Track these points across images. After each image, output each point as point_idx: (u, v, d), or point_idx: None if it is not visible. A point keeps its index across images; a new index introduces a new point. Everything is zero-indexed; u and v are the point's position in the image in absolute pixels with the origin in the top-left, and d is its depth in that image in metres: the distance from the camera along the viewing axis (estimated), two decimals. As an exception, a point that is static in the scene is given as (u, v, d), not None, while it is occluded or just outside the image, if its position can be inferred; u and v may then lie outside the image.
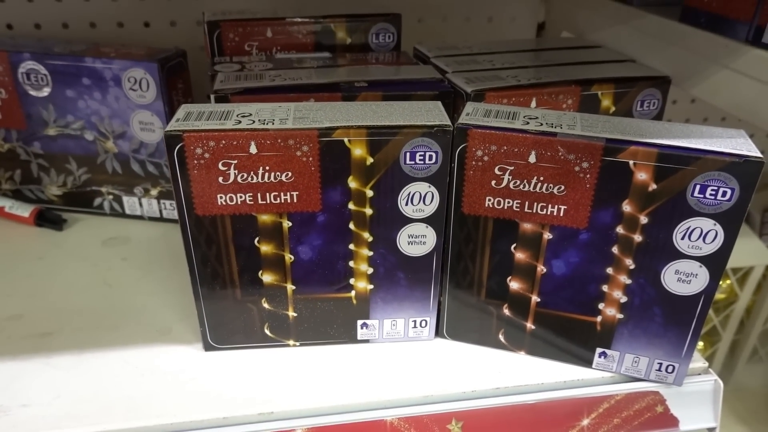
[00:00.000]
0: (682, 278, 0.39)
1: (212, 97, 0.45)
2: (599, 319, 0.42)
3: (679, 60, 0.52)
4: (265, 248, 0.42)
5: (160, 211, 0.63)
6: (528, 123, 0.39)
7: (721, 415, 0.87)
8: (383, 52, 0.60)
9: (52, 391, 0.41)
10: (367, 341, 0.46)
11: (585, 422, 0.43)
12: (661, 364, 0.42)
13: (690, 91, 0.51)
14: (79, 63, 0.57)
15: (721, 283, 0.86)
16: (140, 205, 0.63)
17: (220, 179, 0.39)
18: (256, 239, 0.41)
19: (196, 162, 0.38)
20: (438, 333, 0.47)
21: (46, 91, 0.58)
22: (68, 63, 0.57)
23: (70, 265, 0.56)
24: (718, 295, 0.85)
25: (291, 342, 0.46)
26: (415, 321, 0.46)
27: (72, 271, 0.55)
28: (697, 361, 0.45)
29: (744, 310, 0.85)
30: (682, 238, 0.38)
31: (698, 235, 0.38)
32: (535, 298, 0.43)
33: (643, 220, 0.38)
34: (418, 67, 0.53)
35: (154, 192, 0.62)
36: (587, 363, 0.44)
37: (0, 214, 0.62)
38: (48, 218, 0.61)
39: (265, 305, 0.44)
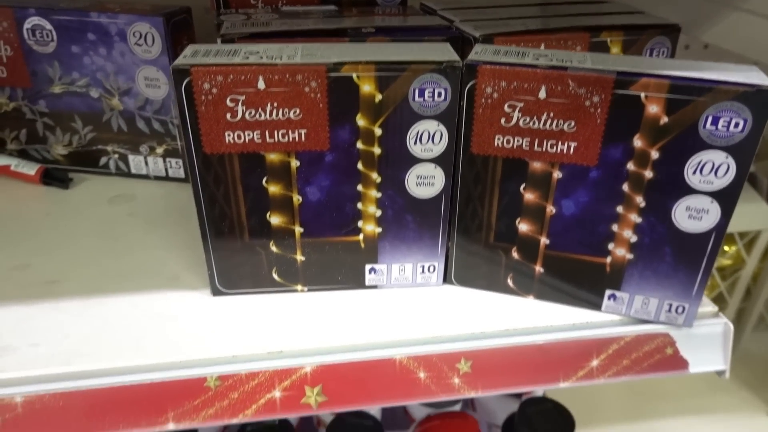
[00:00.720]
0: (693, 215, 0.39)
1: (218, 40, 0.45)
2: (609, 260, 0.42)
3: (689, 7, 0.51)
4: (273, 189, 0.41)
5: (166, 170, 0.63)
6: (538, 59, 0.39)
7: (728, 383, 0.87)
8: (390, 6, 0.59)
9: (60, 332, 0.41)
10: (375, 287, 0.46)
11: (594, 363, 0.43)
12: (671, 305, 0.42)
13: (701, 38, 0.50)
14: (84, 18, 0.56)
15: (727, 248, 0.86)
16: (146, 164, 0.63)
17: (228, 116, 0.38)
18: (264, 179, 0.41)
19: (203, 98, 0.38)
20: (446, 279, 0.47)
21: (51, 47, 0.58)
22: (73, 18, 0.57)
23: (77, 220, 0.56)
24: (724, 261, 0.85)
25: (299, 287, 0.46)
26: (423, 266, 0.46)
27: (78, 225, 0.55)
28: (707, 306, 0.44)
29: (750, 277, 0.85)
30: (694, 173, 0.38)
31: (710, 169, 0.37)
32: (544, 240, 0.43)
33: (654, 155, 0.38)
34: (426, 17, 0.53)
35: (159, 150, 0.62)
36: (596, 306, 0.44)
37: (6, 173, 0.62)
38: (54, 176, 0.61)
39: (273, 249, 0.44)
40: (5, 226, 0.55)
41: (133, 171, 0.63)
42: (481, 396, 0.42)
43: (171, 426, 0.39)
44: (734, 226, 0.79)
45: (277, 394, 0.40)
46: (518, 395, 0.59)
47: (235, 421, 0.40)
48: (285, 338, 0.41)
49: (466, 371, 0.42)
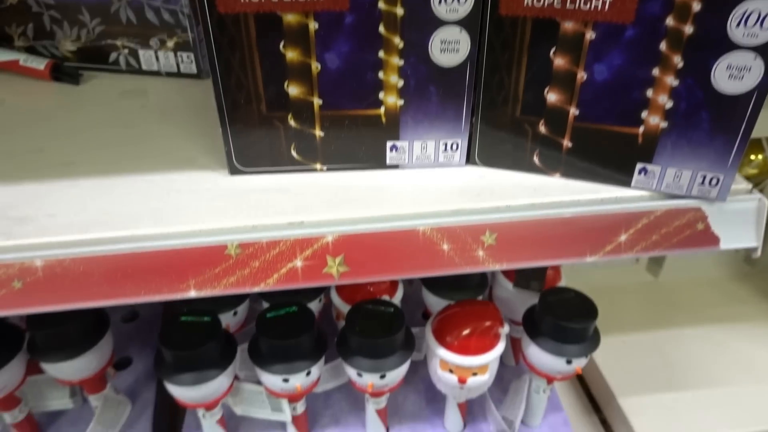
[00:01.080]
0: (733, 74, 0.37)
1: None
2: (641, 129, 0.40)
3: None
4: (291, 54, 0.40)
5: (178, 66, 0.61)
6: None
7: (748, 296, 0.86)
8: None
9: (77, 205, 0.41)
10: (396, 166, 0.45)
11: (623, 238, 0.42)
12: (704, 177, 0.41)
13: None
14: None
15: (753, 157, 0.84)
16: (157, 59, 0.61)
17: (243, -31, 0.36)
18: (281, 44, 0.39)
19: (216, -52, 0.36)
20: (469, 160, 0.46)
21: (53, -69, 0.56)
22: None
23: (89, 112, 0.55)
24: (750, 170, 0.83)
25: (318, 166, 0.44)
26: (446, 144, 0.44)
27: (91, 116, 0.54)
28: (740, 183, 0.43)
29: (776, 188, 0.83)
30: (737, 26, 0.35)
31: (756, 19, 0.35)
32: (573, 111, 0.41)
33: (696, 6, 0.35)
34: None
35: (170, 44, 0.60)
36: (626, 183, 0.43)
37: (14, 68, 0.60)
38: (64, 71, 0.60)
39: (292, 123, 0.42)
40: (17, 117, 0.54)
41: (144, 67, 0.62)
42: (505, 267, 0.41)
43: (193, 293, 0.39)
44: (761, 131, 0.76)
45: (298, 263, 0.39)
46: (538, 290, 0.59)
47: (256, 289, 0.39)
48: (306, 210, 0.40)
49: (490, 244, 0.41)
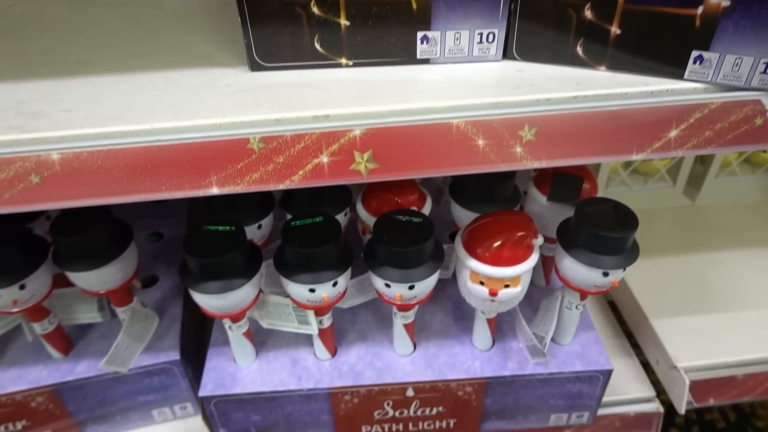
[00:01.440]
0: (813, -61, 0.33)
1: None
2: (700, 10, 0.36)
3: None
4: (314, -70, 0.36)
5: (193, -33, 0.57)
6: None
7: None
8: None
9: (93, 100, 0.39)
10: (427, 61, 0.42)
11: (673, 134, 0.39)
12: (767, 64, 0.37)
13: None
14: None
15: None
16: (171, -40, 0.57)
17: None
18: None
19: None
20: (506, 55, 0.42)
21: None
22: None
23: (102, 13, 0.52)
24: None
25: (343, 60, 0.42)
26: (481, 34, 0.41)
27: (103, 17, 0.52)
28: (806, 74, 0.39)
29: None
30: None
31: None
32: (624, -8, 0.37)
33: None
34: None
35: (184, -57, 0.56)
36: (678, 75, 0.39)
37: (24, -27, 0.57)
38: (74, -26, 0.57)
39: (315, 10, 0.39)
40: (27, 20, 0.51)
41: (157, -30, 0.58)
42: (544, 165, 0.39)
43: (215, 190, 0.37)
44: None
45: (324, 159, 0.37)
46: (573, 204, 0.56)
47: (281, 186, 0.37)
48: (331, 104, 0.38)
49: (529, 139, 0.38)
